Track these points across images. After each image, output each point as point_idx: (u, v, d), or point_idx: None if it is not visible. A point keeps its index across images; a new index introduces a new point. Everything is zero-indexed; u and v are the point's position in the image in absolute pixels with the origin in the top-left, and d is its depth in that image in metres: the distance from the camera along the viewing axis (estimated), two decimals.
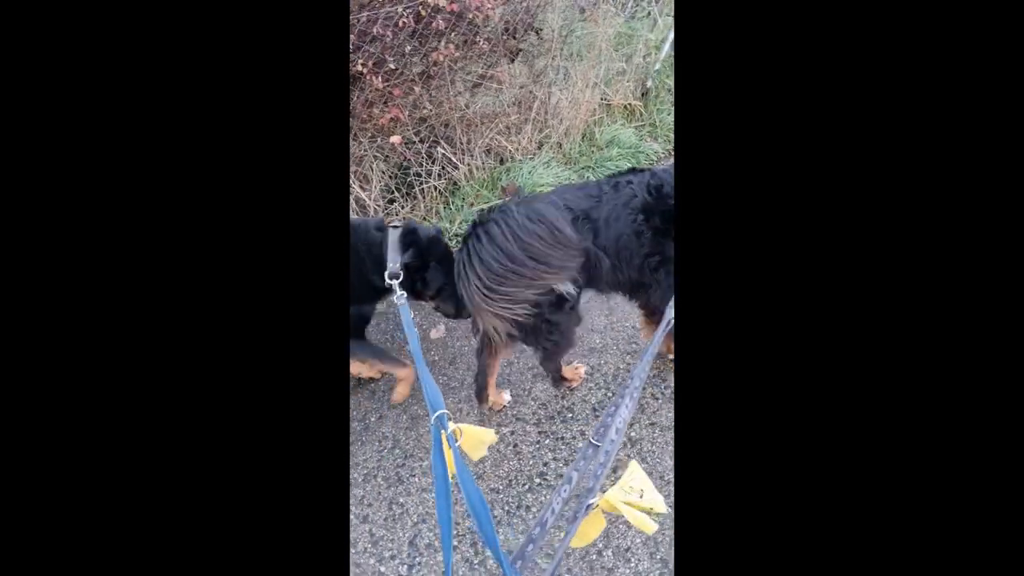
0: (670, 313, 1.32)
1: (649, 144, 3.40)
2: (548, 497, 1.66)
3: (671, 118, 3.47)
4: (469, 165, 2.94)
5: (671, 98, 3.61)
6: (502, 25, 2.80)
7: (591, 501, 0.88)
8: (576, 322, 1.78)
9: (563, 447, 1.82)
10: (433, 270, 1.77)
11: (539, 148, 3.16)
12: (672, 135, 3.43)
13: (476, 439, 1.09)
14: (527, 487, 1.70)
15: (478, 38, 2.63)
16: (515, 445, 1.83)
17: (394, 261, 1.69)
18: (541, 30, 2.96)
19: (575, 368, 2.02)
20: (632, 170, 1.76)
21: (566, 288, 1.56)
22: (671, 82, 3.61)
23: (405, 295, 1.61)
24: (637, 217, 1.62)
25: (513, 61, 2.98)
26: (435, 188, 2.84)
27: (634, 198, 1.64)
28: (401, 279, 1.66)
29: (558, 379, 1.94)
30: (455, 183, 2.93)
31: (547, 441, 1.84)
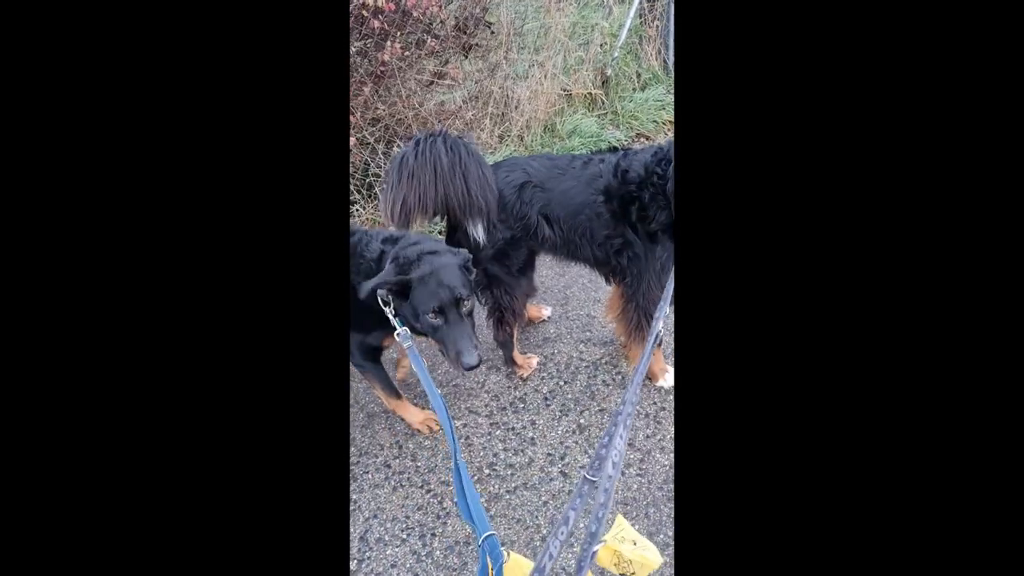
0: (657, 326, 1.23)
1: (611, 132, 3.41)
2: (504, 495, 1.68)
3: (632, 105, 3.47)
4: None
5: (631, 85, 3.61)
6: (452, 21, 2.81)
7: (595, 548, 0.80)
8: (525, 288, 1.85)
9: (513, 437, 1.84)
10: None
11: (500, 141, 3.17)
12: (634, 122, 3.44)
13: (520, 570, 0.94)
14: (476, 478, 1.72)
15: (427, 36, 2.64)
16: (466, 437, 1.85)
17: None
18: (492, 24, 2.96)
19: (528, 358, 2.04)
20: (613, 149, 1.77)
21: (476, 231, 1.65)
22: (630, 69, 3.62)
23: (407, 332, 1.37)
24: (597, 198, 1.64)
25: (467, 56, 2.99)
26: None
27: (599, 178, 1.65)
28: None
29: (510, 360, 1.97)
30: None
31: (498, 432, 1.86)
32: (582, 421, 1.86)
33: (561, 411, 1.90)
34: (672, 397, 1.90)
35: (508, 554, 0.89)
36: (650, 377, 1.93)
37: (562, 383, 2.00)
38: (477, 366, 1.38)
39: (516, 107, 3.15)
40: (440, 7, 2.59)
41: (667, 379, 1.93)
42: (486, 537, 0.89)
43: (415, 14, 2.53)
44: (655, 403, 1.89)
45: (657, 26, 3.69)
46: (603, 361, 2.07)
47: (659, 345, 1.87)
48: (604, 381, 1.99)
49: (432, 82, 2.89)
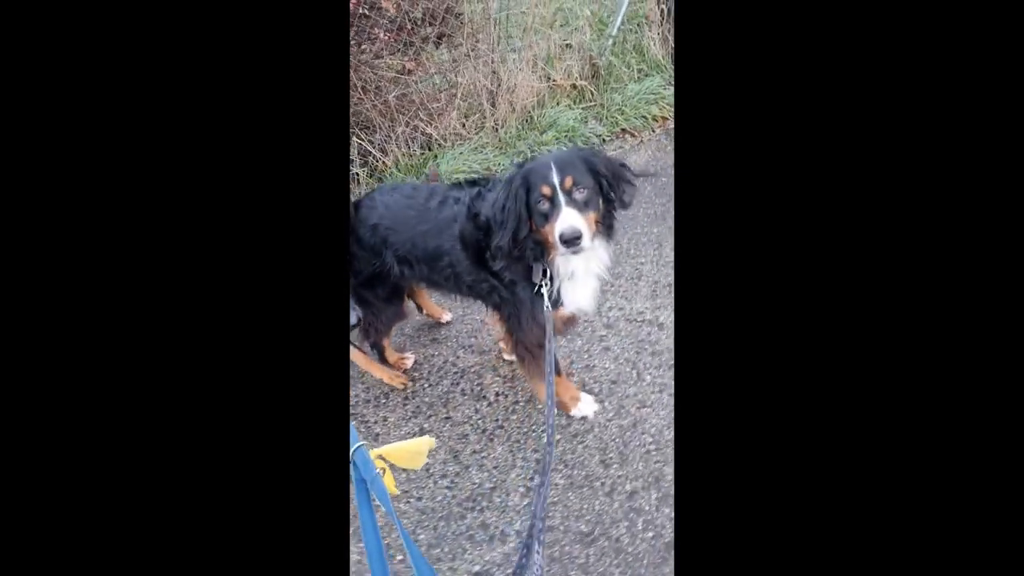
0: (549, 364, 1.28)
1: (593, 126, 3.28)
2: None
3: (619, 97, 3.30)
4: (394, 153, 3.06)
5: (629, 75, 3.41)
6: (419, 12, 2.84)
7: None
8: (391, 316, 1.90)
9: (363, 431, 1.96)
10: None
11: (473, 132, 3.19)
12: (619, 116, 3.27)
13: (409, 453, 1.02)
14: None
15: (380, 31, 2.70)
16: None
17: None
18: (461, 14, 2.95)
19: (402, 357, 2.14)
20: (472, 183, 1.64)
21: None
22: (629, 58, 3.41)
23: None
24: (455, 244, 1.56)
25: (438, 47, 3.01)
26: (357, 177, 3.01)
27: (454, 222, 1.56)
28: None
29: (383, 360, 2.08)
30: (381, 172, 3.07)
31: (351, 424, 2.00)
32: (426, 426, 1.94)
33: (413, 413, 1.99)
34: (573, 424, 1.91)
35: (383, 455, 0.96)
36: (562, 408, 1.86)
37: (426, 386, 2.08)
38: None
39: (489, 97, 3.14)
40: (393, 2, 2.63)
41: (580, 407, 1.87)
42: (356, 448, 0.92)
43: (379, 6, 2.60)
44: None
45: (663, 9, 3.43)
46: (472, 370, 2.11)
47: (561, 374, 1.84)
48: (463, 391, 2.04)
49: (399, 75, 2.96)
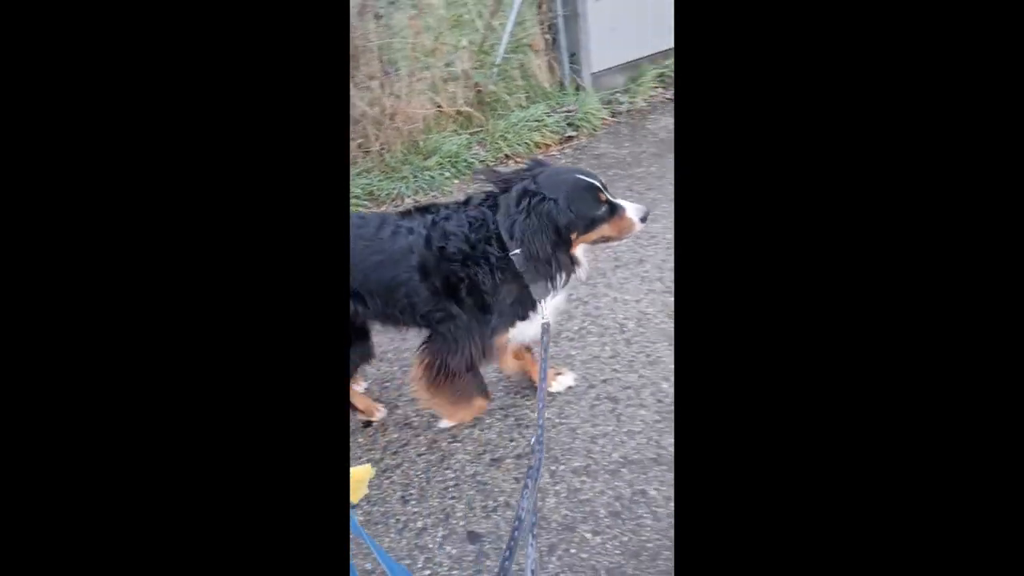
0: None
1: (476, 151, 3.39)
2: None
3: (503, 124, 3.43)
4: None
5: (516, 102, 3.54)
6: None
7: None
8: (357, 355, 1.75)
9: None
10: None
11: (359, 157, 3.25)
12: (503, 143, 3.40)
13: (353, 481, 0.97)
14: None
15: None
16: None
17: None
18: None
19: (374, 407, 1.99)
20: (422, 210, 1.59)
21: None
22: (506, 88, 3.54)
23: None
24: (412, 275, 1.52)
25: None
26: None
27: (411, 253, 1.51)
28: None
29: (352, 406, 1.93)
30: None
31: None
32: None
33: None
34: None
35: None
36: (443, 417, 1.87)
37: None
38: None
39: (375, 124, 3.20)
40: None
41: (561, 381, 1.94)
42: None
43: None
44: None
45: (547, 39, 3.57)
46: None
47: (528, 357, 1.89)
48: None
49: None
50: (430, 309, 1.56)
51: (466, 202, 1.58)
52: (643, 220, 1.47)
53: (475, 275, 1.48)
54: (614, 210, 1.45)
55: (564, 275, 1.49)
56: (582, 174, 1.45)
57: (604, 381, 1.95)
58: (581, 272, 1.55)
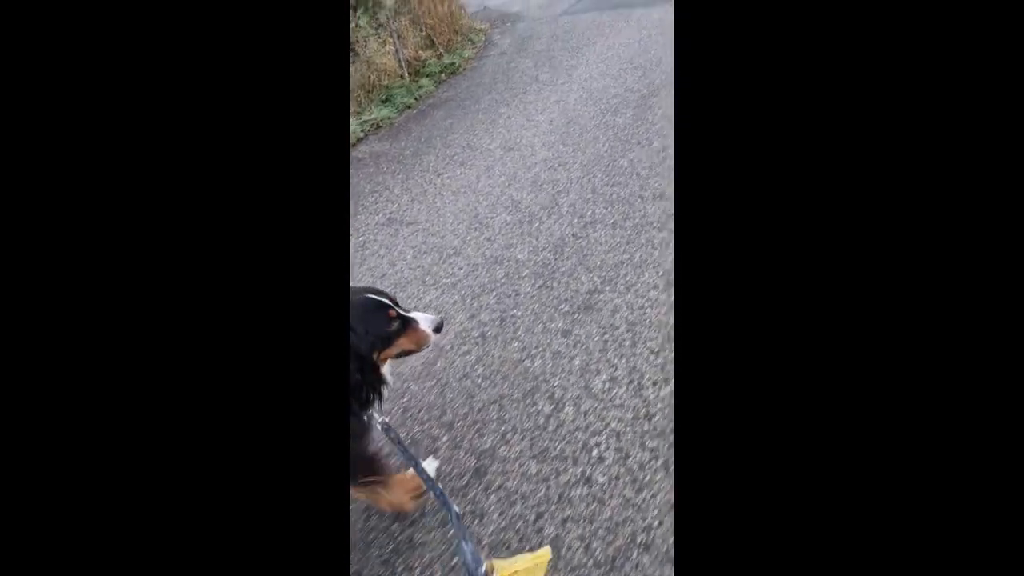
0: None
1: None
2: None
3: None
4: None
5: None
6: None
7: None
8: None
9: None
10: None
11: None
12: None
13: (530, 566, 0.95)
14: None
15: None
16: None
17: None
18: None
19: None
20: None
21: None
22: None
23: None
24: None
25: None
26: None
27: None
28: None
29: None
30: None
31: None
32: None
33: None
34: None
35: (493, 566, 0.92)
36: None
37: None
38: None
39: None
40: None
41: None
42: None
43: None
44: None
45: None
46: None
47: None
48: None
49: None
50: None
51: None
52: (437, 330, 1.44)
53: None
54: (407, 324, 1.45)
55: (376, 395, 1.47)
56: (371, 293, 1.44)
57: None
58: (387, 389, 1.51)
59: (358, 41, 4.39)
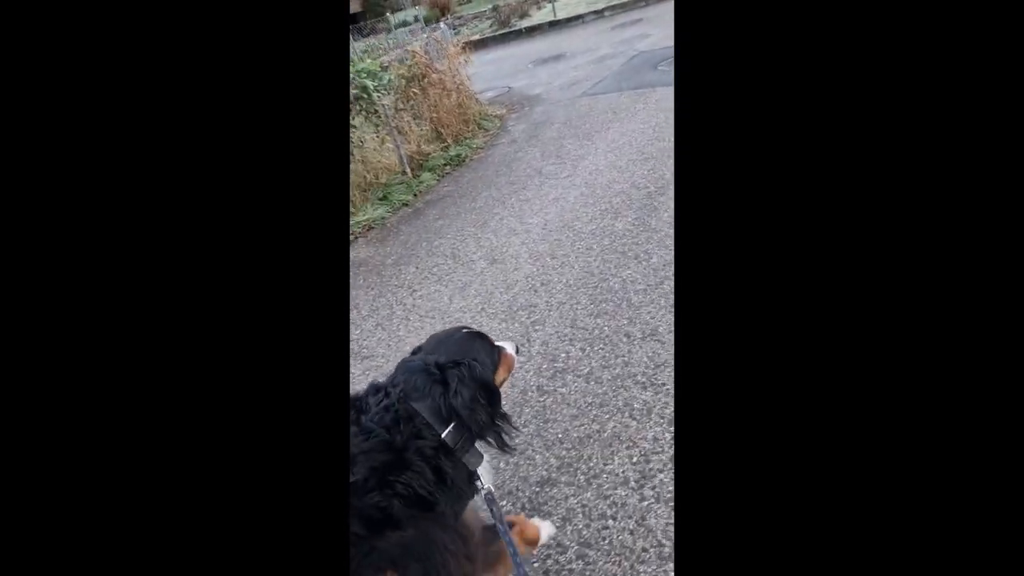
0: None
1: None
2: None
3: None
4: None
5: None
6: None
7: None
8: None
9: None
10: None
11: None
12: None
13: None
14: None
15: None
16: None
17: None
18: None
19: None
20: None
21: None
22: None
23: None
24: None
25: None
26: None
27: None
28: None
29: None
30: None
31: None
32: None
33: None
34: None
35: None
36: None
37: None
38: None
39: None
40: None
41: (543, 534, 1.50)
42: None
43: None
44: None
45: None
46: None
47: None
48: None
49: None
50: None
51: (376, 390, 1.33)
52: (517, 352, 1.43)
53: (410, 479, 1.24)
54: (501, 351, 1.42)
55: (508, 434, 1.33)
56: (465, 328, 1.38)
57: None
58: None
59: (354, 141, 4.24)
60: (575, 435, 1.86)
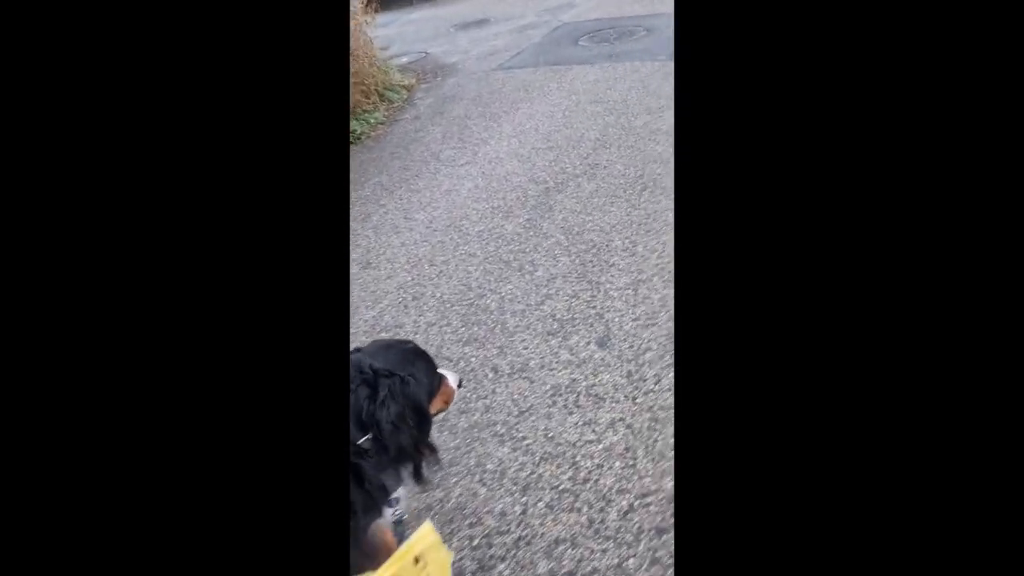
0: None
1: None
2: None
3: None
4: None
5: None
6: None
7: None
8: None
9: None
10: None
11: None
12: None
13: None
14: None
15: None
16: None
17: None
18: None
19: None
20: None
21: None
22: None
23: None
24: None
25: None
26: None
27: None
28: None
29: None
30: None
31: None
32: None
33: None
34: None
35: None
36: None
37: None
38: None
39: None
40: None
41: None
42: None
43: None
44: None
45: None
46: None
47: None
48: None
49: None
50: None
51: None
52: (459, 385, 1.32)
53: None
54: (443, 379, 1.28)
55: (430, 462, 1.22)
56: (411, 344, 1.24)
57: None
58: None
59: None
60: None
